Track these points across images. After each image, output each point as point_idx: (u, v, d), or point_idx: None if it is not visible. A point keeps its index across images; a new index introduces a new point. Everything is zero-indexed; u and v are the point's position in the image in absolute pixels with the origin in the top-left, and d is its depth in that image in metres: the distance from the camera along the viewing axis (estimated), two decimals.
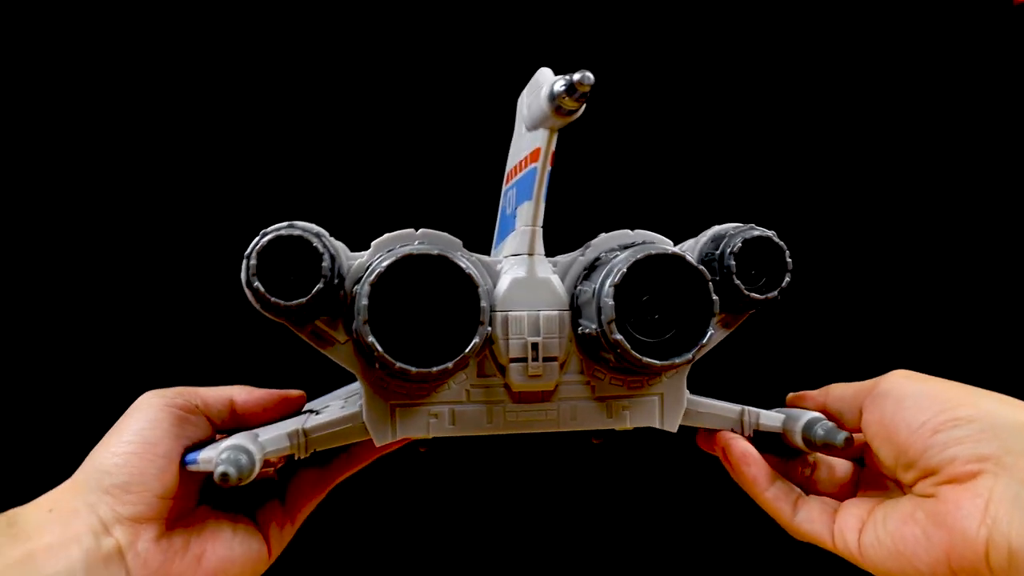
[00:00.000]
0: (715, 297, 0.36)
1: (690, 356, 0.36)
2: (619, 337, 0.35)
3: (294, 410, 0.42)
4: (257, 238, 0.34)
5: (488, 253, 0.47)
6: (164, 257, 0.66)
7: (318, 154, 0.68)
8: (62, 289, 0.65)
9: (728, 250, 0.39)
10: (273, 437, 0.36)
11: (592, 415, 0.39)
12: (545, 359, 0.37)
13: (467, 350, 0.34)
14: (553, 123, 0.33)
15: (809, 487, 0.41)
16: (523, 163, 0.38)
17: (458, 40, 0.70)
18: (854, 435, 0.39)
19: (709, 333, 0.36)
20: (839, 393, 0.41)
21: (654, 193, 0.70)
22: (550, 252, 0.39)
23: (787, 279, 0.40)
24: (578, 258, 0.40)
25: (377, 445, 0.37)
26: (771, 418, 0.42)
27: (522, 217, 0.38)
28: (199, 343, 0.65)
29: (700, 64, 0.72)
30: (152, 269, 0.66)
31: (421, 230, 0.38)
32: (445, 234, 0.38)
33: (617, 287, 0.35)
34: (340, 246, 0.37)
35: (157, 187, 0.66)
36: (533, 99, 0.35)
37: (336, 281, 0.35)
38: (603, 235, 0.41)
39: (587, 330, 0.37)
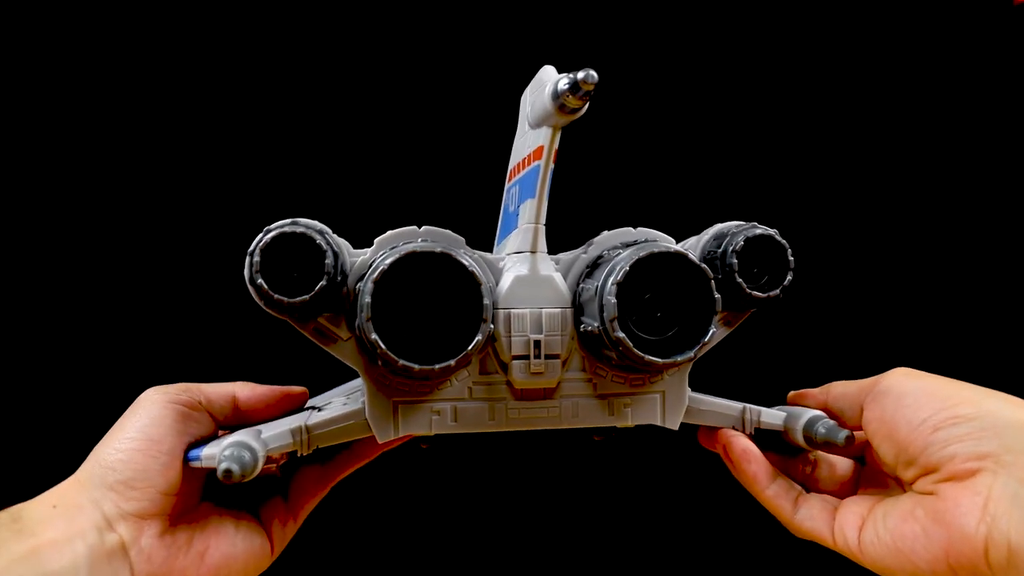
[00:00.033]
0: (717, 295, 0.36)
1: (692, 354, 0.36)
2: (621, 335, 0.35)
3: (296, 407, 0.42)
4: (260, 235, 0.34)
5: (490, 250, 0.47)
6: (167, 254, 0.66)
7: (321, 151, 0.68)
8: (65, 286, 0.65)
9: (730, 248, 0.39)
10: (276, 434, 0.36)
11: (594, 412, 0.39)
12: (547, 356, 0.37)
13: (470, 348, 0.34)
14: (556, 121, 0.33)
15: (810, 485, 0.41)
16: (526, 161, 0.38)
17: (461, 37, 0.69)
18: (855, 433, 0.39)
19: (711, 331, 0.36)
20: (840, 391, 0.41)
21: (656, 191, 0.70)
22: (552, 249, 0.39)
23: (789, 277, 0.40)
24: (580, 256, 0.40)
25: (380, 442, 0.38)
26: (772, 416, 0.42)
27: (525, 215, 0.38)
28: (202, 339, 0.65)
29: (702, 62, 0.72)
30: (155, 266, 0.66)
31: (424, 227, 0.38)
32: (448, 231, 0.38)
33: (620, 285, 0.35)
34: (343, 243, 0.37)
35: (161, 185, 0.66)
36: (536, 97, 0.35)
37: (339, 278, 0.35)
38: (606, 233, 0.41)
39: (589, 328, 0.37)
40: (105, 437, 0.37)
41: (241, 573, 0.37)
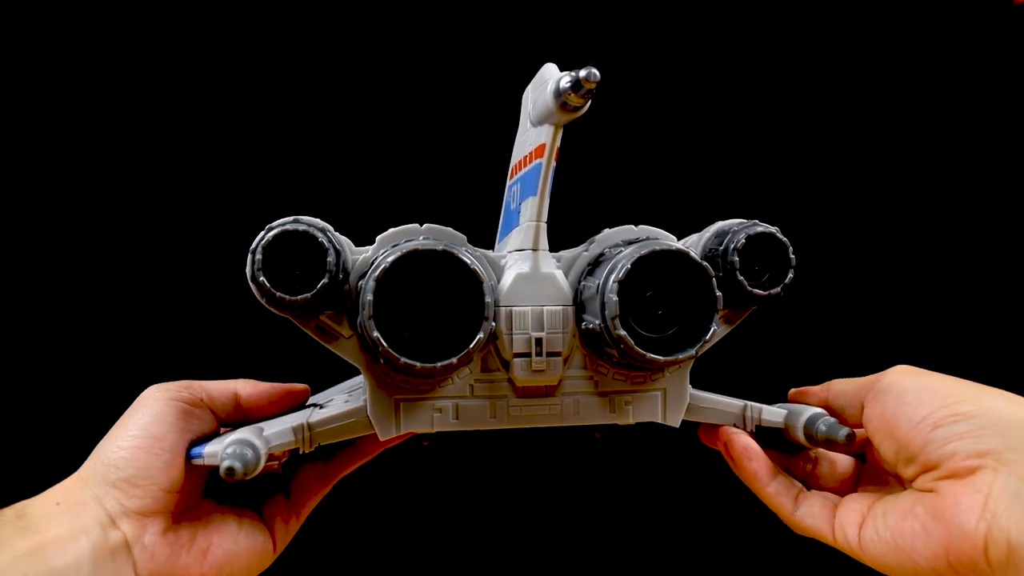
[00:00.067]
0: (718, 293, 0.36)
1: (693, 352, 0.36)
2: (623, 333, 0.35)
3: (298, 404, 0.42)
4: (262, 233, 0.34)
5: (492, 247, 0.47)
6: (169, 252, 0.66)
7: (323, 149, 0.68)
8: (67, 284, 0.65)
9: (732, 246, 0.39)
10: (278, 431, 0.36)
11: (595, 410, 0.39)
12: (549, 354, 0.37)
13: (471, 345, 0.34)
14: (558, 119, 0.33)
15: (810, 482, 0.41)
16: (528, 158, 0.38)
17: (462, 35, 0.69)
18: (855, 430, 0.39)
19: (712, 329, 0.36)
20: (841, 388, 0.41)
21: (658, 188, 0.70)
22: (554, 247, 0.39)
23: (790, 275, 0.40)
24: (582, 253, 0.40)
25: (381, 439, 0.38)
26: (773, 414, 0.42)
27: (526, 212, 0.38)
28: (204, 337, 0.65)
29: (704, 60, 0.72)
30: (157, 264, 0.66)
31: (426, 225, 0.38)
32: (450, 229, 0.38)
33: (621, 283, 0.35)
34: (345, 241, 0.37)
35: (163, 183, 0.66)
36: (538, 95, 0.35)
37: (341, 276, 0.35)
38: (607, 230, 0.41)
39: (591, 325, 0.37)
40: (108, 434, 0.37)
41: (243, 570, 0.37)
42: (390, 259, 0.34)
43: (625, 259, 0.36)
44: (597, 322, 0.36)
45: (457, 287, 0.35)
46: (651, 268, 0.36)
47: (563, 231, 0.41)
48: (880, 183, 0.73)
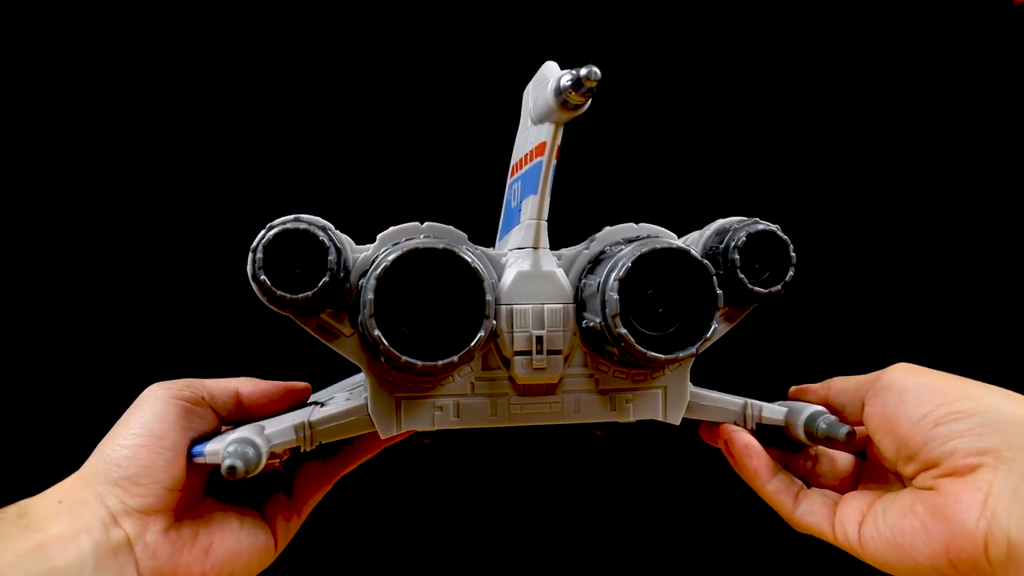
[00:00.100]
0: (719, 291, 0.36)
1: (694, 350, 0.36)
2: (623, 331, 0.35)
3: (299, 402, 0.42)
4: (263, 232, 0.34)
5: (493, 245, 0.47)
6: (170, 250, 0.66)
7: (324, 147, 0.68)
8: (68, 283, 0.65)
9: (732, 244, 0.39)
10: (279, 430, 0.36)
11: (596, 408, 0.39)
12: (549, 352, 0.37)
13: (472, 344, 0.34)
14: (559, 117, 0.33)
15: (811, 480, 0.41)
16: (528, 156, 0.38)
17: (463, 32, 0.69)
18: (856, 428, 0.39)
19: (713, 327, 0.36)
20: (841, 386, 0.41)
21: (659, 186, 0.70)
22: (555, 245, 0.39)
23: (791, 273, 0.40)
24: (583, 251, 0.40)
25: (382, 437, 0.38)
26: (774, 411, 0.42)
27: (527, 210, 0.38)
28: (205, 335, 0.65)
29: (705, 58, 0.72)
30: (158, 262, 0.66)
31: (427, 223, 0.38)
32: (451, 227, 0.38)
33: (622, 281, 0.35)
34: (346, 239, 0.37)
35: (164, 181, 0.66)
36: (539, 93, 0.35)
37: (342, 275, 0.36)
38: (608, 228, 0.41)
39: (591, 323, 0.37)
40: (109, 433, 0.37)
41: (245, 568, 0.38)
42: (391, 258, 0.34)
43: (626, 257, 0.36)
44: (598, 320, 0.36)
45: (458, 285, 0.35)
46: (652, 266, 0.36)
47: (564, 229, 0.41)
48: (880, 181, 0.73)
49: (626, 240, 0.40)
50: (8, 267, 0.64)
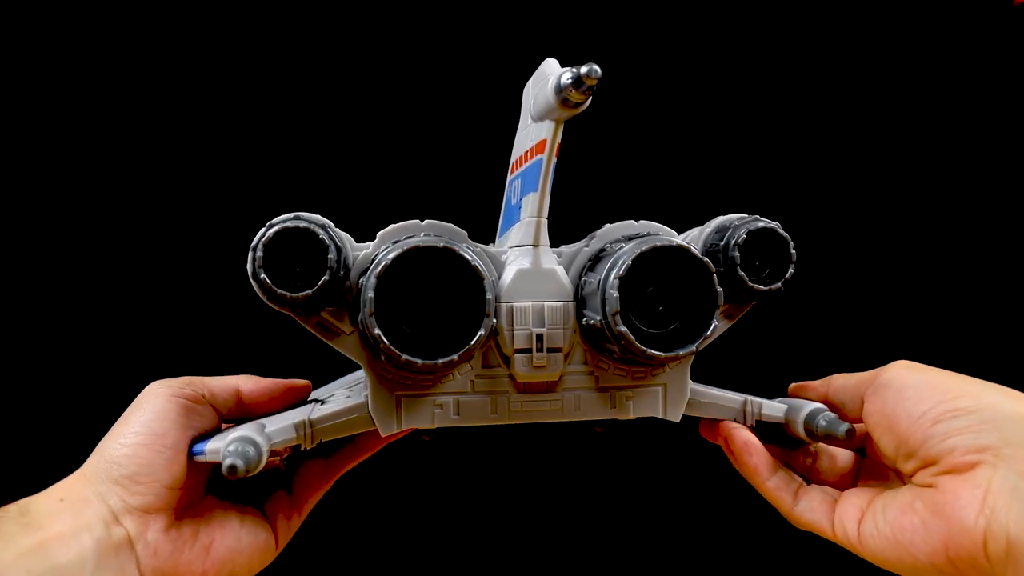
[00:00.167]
0: (719, 289, 0.36)
1: (694, 348, 0.36)
2: (623, 329, 0.35)
3: (300, 399, 0.42)
4: (263, 230, 0.34)
5: (493, 242, 0.47)
6: (171, 249, 0.66)
7: (323, 145, 0.68)
8: (69, 282, 0.65)
9: (732, 241, 0.39)
10: (280, 428, 0.36)
11: (596, 405, 0.39)
12: (549, 350, 0.37)
13: (472, 342, 0.34)
14: (559, 115, 0.33)
15: (810, 477, 0.42)
16: (529, 154, 0.38)
17: (463, 30, 0.69)
18: (855, 425, 0.39)
19: (713, 325, 0.36)
20: (841, 383, 0.41)
21: (659, 183, 0.70)
22: (555, 242, 0.39)
23: (791, 270, 0.40)
24: (583, 249, 0.40)
25: (382, 436, 0.38)
26: (773, 408, 0.42)
27: (527, 208, 0.38)
28: (205, 333, 0.65)
29: (705, 55, 0.71)
30: (159, 261, 0.66)
31: (427, 221, 0.38)
32: (451, 225, 0.38)
33: (622, 279, 0.35)
34: (346, 237, 0.37)
35: (165, 180, 0.66)
36: (539, 90, 0.34)
37: (342, 273, 0.35)
38: (608, 225, 0.41)
39: (591, 321, 0.37)
40: (110, 431, 0.37)
41: (246, 567, 0.38)
42: (391, 256, 0.34)
43: (626, 255, 0.36)
44: (598, 318, 0.36)
45: (458, 284, 0.35)
46: (652, 264, 0.36)
47: (564, 226, 0.41)
48: (880, 180, 0.73)
49: (626, 237, 0.39)
50: (8, 267, 0.64)
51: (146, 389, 0.38)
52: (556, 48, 0.36)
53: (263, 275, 0.34)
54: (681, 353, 0.36)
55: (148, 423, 0.36)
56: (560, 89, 0.31)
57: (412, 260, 0.34)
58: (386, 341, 0.33)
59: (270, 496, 0.41)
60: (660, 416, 0.40)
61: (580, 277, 0.39)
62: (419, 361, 0.34)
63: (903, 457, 0.36)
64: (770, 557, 0.70)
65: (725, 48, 0.72)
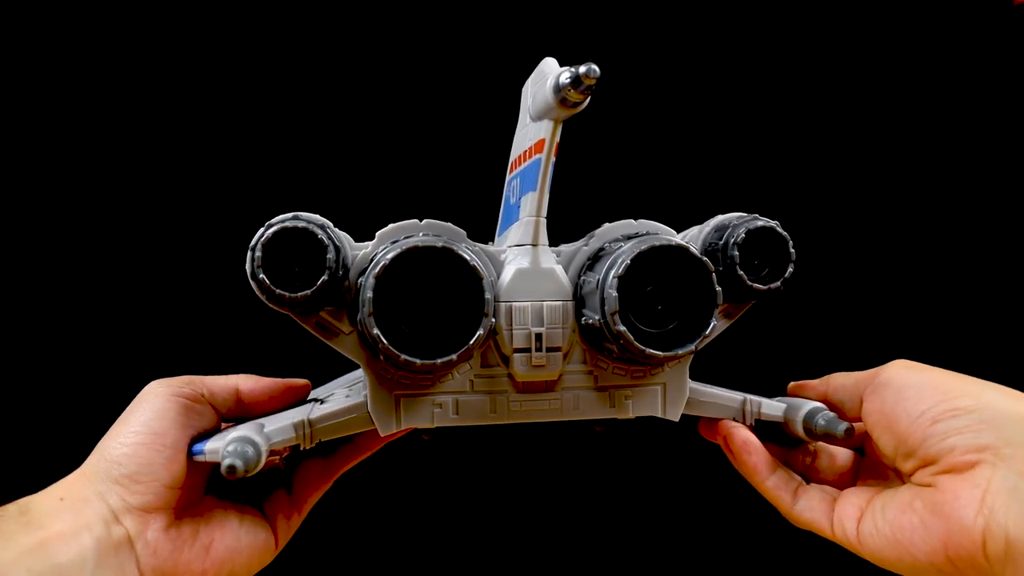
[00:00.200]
0: (718, 288, 0.36)
1: (693, 347, 0.36)
2: (622, 328, 0.35)
3: (299, 399, 0.42)
4: (262, 230, 0.34)
5: (491, 241, 0.47)
6: (170, 249, 0.66)
7: (322, 145, 0.68)
8: (68, 281, 0.65)
9: (732, 240, 0.39)
10: (279, 428, 0.36)
11: (595, 404, 0.39)
12: (548, 349, 0.37)
13: (471, 342, 0.34)
14: (558, 114, 0.33)
15: (810, 476, 0.42)
16: (527, 153, 0.38)
17: (461, 29, 0.69)
18: (854, 424, 0.39)
19: (712, 324, 0.36)
20: (840, 382, 0.41)
21: (658, 182, 0.70)
22: (554, 241, 0.39)
23: (790, 269, 0.40)
24: (582, 248, 0.40)
25: (382, 435, 0.38)
26: (772, 407, 0.42)
27: (526, 207, 0.38)
28: (205, 333, 0.65)
29: (705, 54, 0.71)
30: (158, 260, 0.66)
31: (425, 220, 0.38)
32: (449, 224, 0.38)
33: (621, 279, 0.35)
34: (344, 237, 0.37)
35: (164, 179, 0.66)
36: (538, 89, 0.34)
37: (341, 273, 0.35)
38: (607, 224, 0.41)
39: (590, 320, 0.37)
40: (110, 431, 0.37)
41: (245, 566, 0.38)
42: (390, 256, 0.34)
43: (625, 254, 0.36)
44: (597, 317, 0.36)
45: (457, 283, 0.35)
46: (651, 263, 0.36)
47: (563, 225, 0.41)
48: (880, 179, 0.73)
49: (625, 237, 0.39)
50: (8, 267, 0.64)
51: (145, 388, 0.38)
52: (555, 47, 0.36)
53: (262, 275, 0.34)
54: (680, 352, 0.36)
55: (148, 422, 0.36)
56: (559, 89, 0.31)
57: (411, 260, 0.34)
58: (385, 341, 0.33)
59: (270, 496, 0.41)
60: (659, 415, 0.40)
61: (579, 276, 0.39)
62: (418, 361, 0.34)
63: (902, 456, 0.36)
64: (769, 556, 0.70)
65: (724, 47, 0.72)
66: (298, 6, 0.68)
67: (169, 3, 0.66)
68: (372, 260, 0.35)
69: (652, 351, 0.36)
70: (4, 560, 0.31)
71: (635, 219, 0.41)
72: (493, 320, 0.36)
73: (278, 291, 0.34)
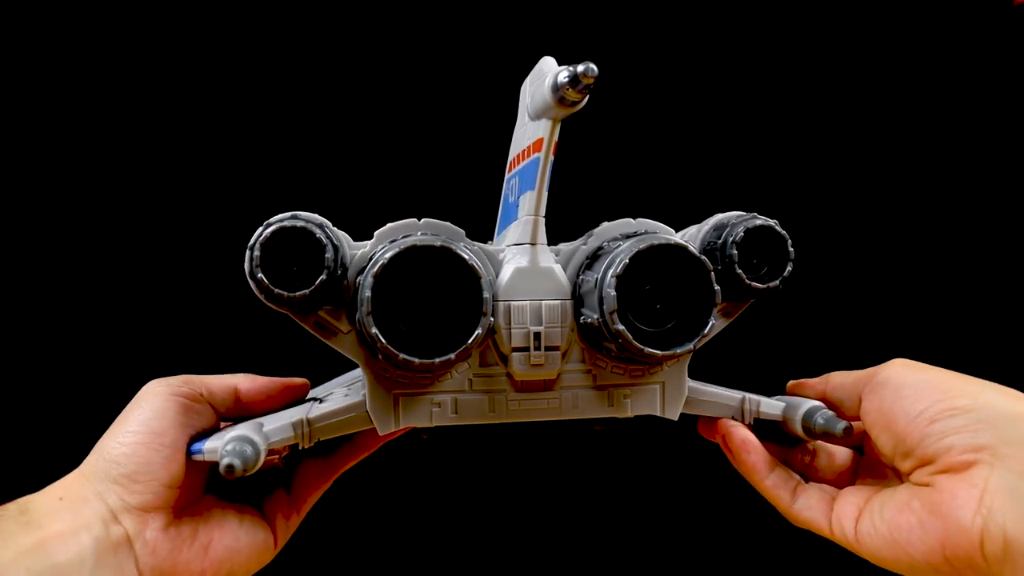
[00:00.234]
0: (717, 287, 0.36)
1: (691, 346, 0.36)
2: (621, 327, 0.35)
3: (298, 398, 0.42)
4: (260, 229, 0.34)
5: (490, 240, 0.47)
6: (169, 248, 0.66)
7: (321, 144, 0.68)
8: (67, 281, 0.65)
9: (730, 239, 0.39)
10: (278, 427, 0.36)
11: (593, 403, 0.39)
12: (547, 348, 0.37)
13: (470, 341, 0.34)
14: (556, 113, 0.33)
15: (808, 474, 0.42)
16: (526, 152, 0.38)
17: (460, 28, 0.69)
18: (853, 423, 0.39)
19: (711, 323, 0.36)
20: (839, 381, 0.41)
21: (657, 181, 0.70)
22: (552, 240, 0.39)
23: (789, 268, 0.40)
24: (580, 247, 0.40)
25: (380, 434, 0.38)
26: (771, 406, 0.42)
27: (525, 206, 0.38)
28: (203, 332, 0.65)
29: (703, 53, 0.71)
30: (157, 260, 0.66)
31: (424, 219, 0.38)
32: (448, 223, 0.38)
33: (619, 277, 0.35)
34: (343, 236, 0.37)
35: (162, 179, 0.66)
36: (536, 88, 0.34)
37: (339, 272, 0.35)
38: (605, 223, 0.40)
39: (589, 319, 0.37)
40: (109, 430, 0.37)
41: (244, 566, 0.38)
42: (388, 255, 0.34)
43: (623, 253, 0.36)
44: (595, 316, 0.36)
45: (455, 283, 0.35)
46: (649, 262, 0.36)
47: (561, 224, 0.41)
48: (879, 179, 0.73)
49: (624, 236, 0.39)
50: (7, 266, 0.64)
51: (144, 388, 0.38)
52: (553, 46, 0.36)
53: (260, 274, 0.34)
54: (679, 351, 0.36)
55: (146, 422, 0.36)
56: (557, 88, 0.31)
57: (409, 259, 0.34)
58: (383, 340, 0.33)
59: (269, 495, 0.41)
60: (658, 414, 0.40)
61: (578, 275, 0.39)
62: (416, 360, 0.34)
63: (900, 455, 0.36)
64: (768, 555, 0.70)
65: (723, 46, 0.71)
66: (297, 6, 0.67)
67: (169, 3, 0.66)
68: (371, 259, 0.35)
69: (651, 350, 0.36)
70: (3, 560, 0.31)
71: (634, 218, 0.41)
72: (492, 319, 0.36)
73: (277, 290, 0.34)
